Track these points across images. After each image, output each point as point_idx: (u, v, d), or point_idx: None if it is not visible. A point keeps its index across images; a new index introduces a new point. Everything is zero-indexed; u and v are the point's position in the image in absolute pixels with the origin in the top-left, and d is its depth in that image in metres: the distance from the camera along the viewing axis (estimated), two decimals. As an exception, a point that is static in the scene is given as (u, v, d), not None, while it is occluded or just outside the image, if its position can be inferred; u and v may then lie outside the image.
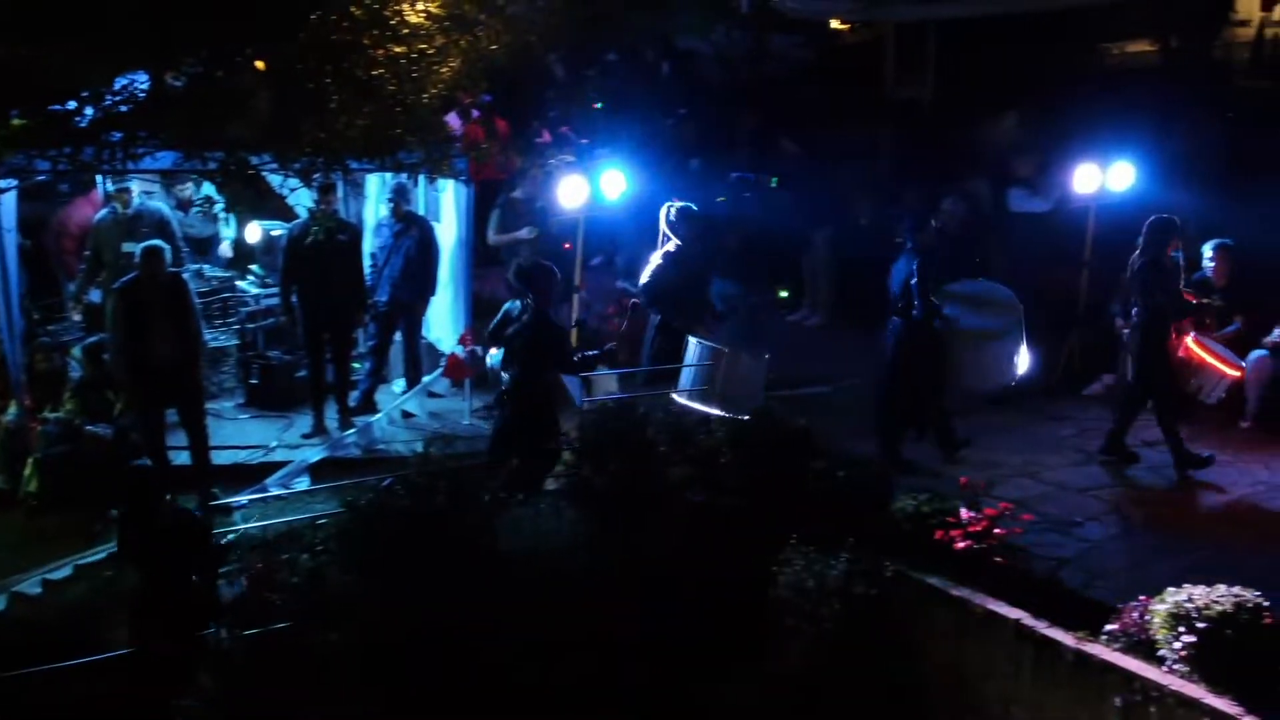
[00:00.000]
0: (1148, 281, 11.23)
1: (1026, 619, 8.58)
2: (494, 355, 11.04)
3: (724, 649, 9.40)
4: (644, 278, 11.98)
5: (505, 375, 10.70)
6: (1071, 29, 19.18)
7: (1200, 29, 20.11)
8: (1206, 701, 7.52)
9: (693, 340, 10.99)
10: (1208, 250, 12.66)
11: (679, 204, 12.03)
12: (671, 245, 11.90)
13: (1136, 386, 11.44)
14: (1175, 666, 7.79)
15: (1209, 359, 11.52)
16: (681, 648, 9.31)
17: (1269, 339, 12.34)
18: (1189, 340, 11.50)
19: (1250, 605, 7.74)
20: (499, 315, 10.90)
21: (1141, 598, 8.30)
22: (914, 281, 11.27)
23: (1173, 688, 7.69)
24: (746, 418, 10.46)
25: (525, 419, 10.48)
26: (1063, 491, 11.00)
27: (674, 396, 10.90)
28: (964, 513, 9.28)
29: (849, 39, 20.80)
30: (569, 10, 10.72)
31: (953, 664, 9.02)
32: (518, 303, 10.74)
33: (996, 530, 9.11)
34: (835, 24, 20.61)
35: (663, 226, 11.92)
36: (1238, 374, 11.67)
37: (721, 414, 10.55)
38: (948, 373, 11.45)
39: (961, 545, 9.11)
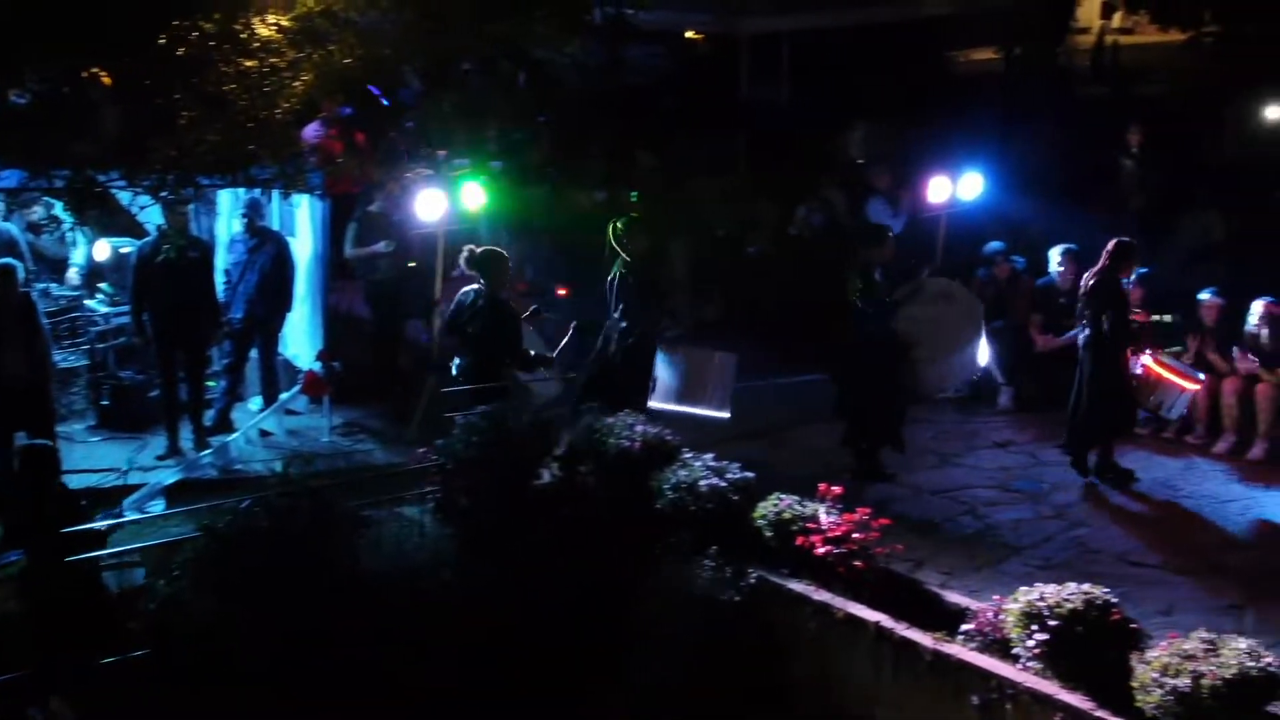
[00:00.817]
0: (1104, 300, 11.16)
1: (886, 621, 8.73)
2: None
3: (592, 657, 9.43)
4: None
5: (460, 361, 11.03)
6: (920, 38, 19.59)
7: (1043, 37, 20.68)
8: (1059, 698, 7.72)
9: (662, 350, 11.08)
10: (1055, 255, 12.97)
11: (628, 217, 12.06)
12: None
13: (1087, 402, 11.28)
14: (1029, 664, 7.97)
15: (1167, 375, 11.66)
16: (550, 655, 9.33)
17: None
18: (1146, 358, 11.66)
19: (1099, 603, 7.92)
20: (453, 307, 11.26)
21: (996, 597, 8.49)
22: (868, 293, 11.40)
23: (1027, 685, 7.88)
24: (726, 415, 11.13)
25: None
26: (919, 494, 11.22)
27: (652, 404, 11.11)
28: (823, 518, 9.39)
29: (704, 49, 20.95)
30: (422, 23, 10.68)
31: (817, 666, 9.14)
32: (470, 294, 11.09)
33: (855, 535, 9.24)
34: (690, 34, 20.74)
35: (611, 241, 11.86)
36: (1197, 387, 11.79)
37: (709, 414, 10.75)
38: (903, 383, 11.64)
39: (822, 550, 9.22)
